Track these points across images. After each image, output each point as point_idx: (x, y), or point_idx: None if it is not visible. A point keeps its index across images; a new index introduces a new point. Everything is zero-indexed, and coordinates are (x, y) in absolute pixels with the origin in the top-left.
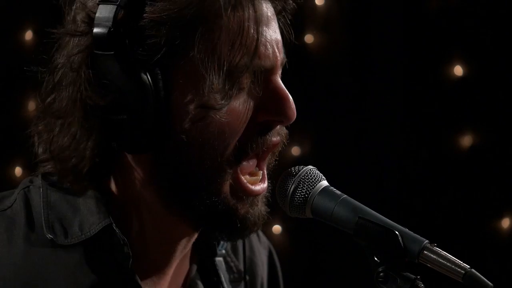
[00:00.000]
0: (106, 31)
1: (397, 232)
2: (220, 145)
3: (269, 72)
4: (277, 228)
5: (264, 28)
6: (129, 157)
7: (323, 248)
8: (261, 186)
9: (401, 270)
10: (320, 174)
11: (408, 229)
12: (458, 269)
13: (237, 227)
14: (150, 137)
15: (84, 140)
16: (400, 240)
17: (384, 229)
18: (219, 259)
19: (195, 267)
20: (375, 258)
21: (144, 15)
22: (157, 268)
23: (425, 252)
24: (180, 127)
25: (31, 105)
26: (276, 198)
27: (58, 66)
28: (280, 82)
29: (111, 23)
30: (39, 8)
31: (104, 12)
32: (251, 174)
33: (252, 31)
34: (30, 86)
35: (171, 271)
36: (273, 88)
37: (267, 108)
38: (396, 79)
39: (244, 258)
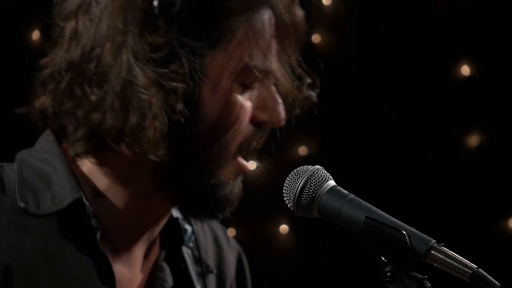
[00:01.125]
0: (169, 11)
1: (404, 232)
2: (232, 138)
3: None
4: (284, 228)
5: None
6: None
7: (330, 247)
8: (249, 164)
9: (409, 270)
10: (327, 173)
11: (415, 229)
12: (465, 269)
13: (218, 206)
14: (177, 117)
15: (154, 114)
16: (408, 240)
17: (392, 228)
18: (187, 250)
19: (163, 253)
20: (382, 258)
21: (206, 5)
22: (125, 248)
23: (432, 251)
24: (207, 111)
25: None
26: (283, 198)
27: (99, 46)
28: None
29: (173, 2)
30: (46, 8)
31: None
32: None
33: (275, 39)
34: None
35: (140, 253)
36: (269, 91)
37: (263, 108)
38: (403, 79)
39: (199, 252)
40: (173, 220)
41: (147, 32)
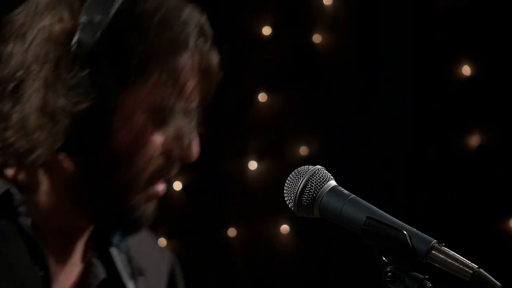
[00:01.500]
0: (86, 47)
1: (405, 232)
2: (143, 168)
3: (190, 112)
4: (285, 228)
5: (209, 78)
6: (62, 154)
7: (331, 248)
8: (163, 188)
9: (409, 270)
10: (328, 173)
11: (416, 229)
12: (466, 269)
13: (137, 225)
14: (89, 142)
15: (51, 139)
16: (408, 240)
17: (392, 228)
18: (117, 252)
19: (95, 253)
20: (383, 258)
21: (120, 41)
22: (58, 244)
23: (433, 251)
24: (121, 145)
25: None
26: (284, 198)
27: (20, 73)
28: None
29: (91, 40)
30: None
31: (87, 29)
32: None
33: (206, 79)
34: None
35: (71, 248)
36: (191, 129)
37: (182, 145)
38: (404, 79)
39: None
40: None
41: (63, 66)
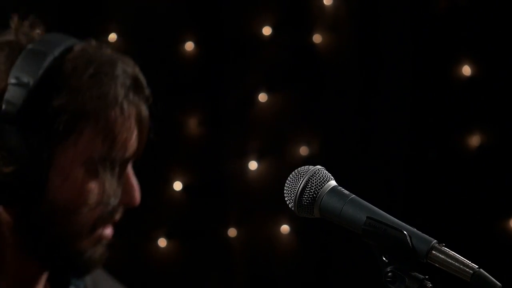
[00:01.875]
0: (14, 111)
1: (405, 232)
2: (85, 220)
3: (127, 161)
4: (285, 228)
5: (142, 128)
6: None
7: (331, 248)
8: (110, 231)
9: (410, 270)
10: (329, 174)
11: (416, 229)
12: (467, 269)
13: (88, 268)
14: (23, 196)
15: None
16: (409, 240)
17: (393, 229)
18: None
19: None
20: (384, 258)
21: (50, 101)
22: None
23: (434, 252)
24: (57, 198)
25: None
26: (284, 198)
27: None
28: (132, 171)
29: (19, 102)
30: None
31: (14, 91)
32: None
33: (134, 132)
34: None
35: None
36: (128, 177)
37: (121, 194)
38: (404, 79)
39: None
40: (60, 277)
41: None
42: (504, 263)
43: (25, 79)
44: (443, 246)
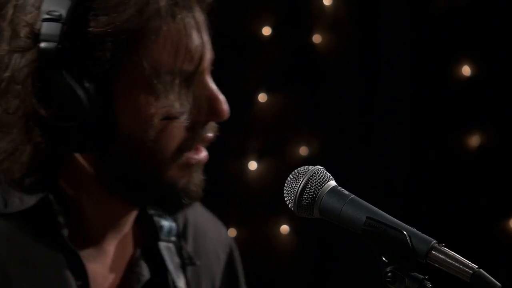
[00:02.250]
0: (53, 47)
1: (405, 232)
2: (169, 147)
3: (203, 74)
4: (285, 228)
5: (203, 34)
6: (76, 155)
7: (331, 248)
8: (202, 155)
9: (409, 270)
10: (328, 174)
11: (416, 229)
12: (466, 269)
13: (180, 200)
14: (95, 139)
15: (22, 147)
16: (408, 240)
17: (392, 229)
18: (166, 245)
19: (139, 250)
20: (383, 258)
21: (89, 29)
22: (96, 244)
23: (433, 252)
24: (130, 132)
25: None
26: (284, 198)
27: (1, 79)
28: (212, 83)
29: (57, 38)
30: None
31: (49, 29)
32: None
33: (195, 39)
34: None
35: (111, 248)
36: (207, 90)
37: (203, 108)
38: (404, 79)
39: (181, 242)
40: (148, 217)
41: (36, 72)
42: (504, 263)
43: (57, 11)
44: (443, 246)
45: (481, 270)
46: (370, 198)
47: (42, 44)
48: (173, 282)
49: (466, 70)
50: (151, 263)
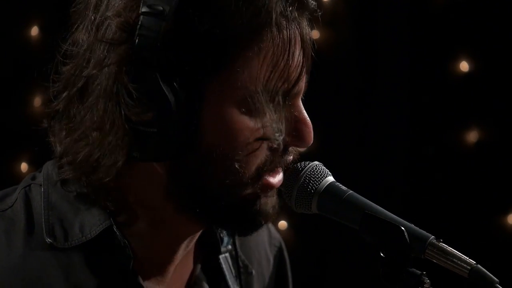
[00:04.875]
0: (151, 44)
1: (402, 228)
2: (249, 167)
3: (296, 95)
4: (283, 224)
5: (305, 51)
6: (145, 164)
7: (328, 243)
8: (279, 178)
9: (407, 266)
10: (326, 169)
11: (414, 225)
12: (464, 265)
13: (255, 221)
14: (175, 149)
15: (115, 155)
16: (406, 236)
17: (390, 224)
18: (224, 256)
19: (199, 266)
20: (381, 254)
21: (191, 31)
22: (160, 267)
23: (431, 247)
24: (213, 144)
25: (37, 102)
26: (282, 194)
27: (86, 75)
28: (302, 106)
29: (156, 36)
30: (45, 4)
31: (149, 24)
32: None
33: (296, 57)
34: (36, 84)
35: (173, 269)
36: (298, 113)
37: (289, 131)
38: (402, 75)
39: (236, 254)
40: (210, 230)
41: (127, 69)
42: (502, 259)
43: (160, 6)
44: (440, 241)
45: (479, 266)
46: (367, 193)
47: (139, 40)
48: None
49: (464, 66)
50: (211, 278)
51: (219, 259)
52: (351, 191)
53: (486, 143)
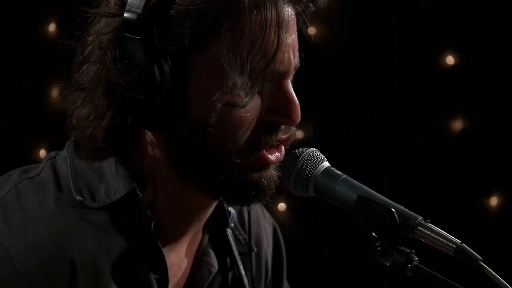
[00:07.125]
0: (136, 17)
1: (393, 209)
2: (233, 137)
3: (282, 76)
4: (282, 206)
5: (284, 33)
6: (147, 133)
7: (325, 224)
8: (276, 155)
9: (397, 245)
10: (322, 155)
11: (404, 207)
12: (450, 244)
13: (251, 193)
14: (163, 117)
15: (102, 112)
16: (396, 217)
17: (381, 206)
18: (229, 231)
19: (207, 237)
20: (373, 234)
21: (174, 5)
22: (175, 234)
23: (419, 228)
24: (196, 114)
25: (54, 92)
26: (281, 178)
27: (88, 43)
28: (290, 87)
29: (141, 9)
30: (61, 2)
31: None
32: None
33: (272, 35)
34: (53, 75)
35: (188, 238)
36: (283, 92)
37: (275, 109)
38: (392, 69)
39: (250, 231)
40: (219, 203)
41: (117, 42)
42: (485, 238)
43: None
44: (428, 222)
45: (464, 244)
46: (360, 178)
47: (126, 13)
48: (238, 270)
49: (450, 60)
50: (218, 250)
51: (226, 231)
52: (345, 176)
53: (471, 131)
